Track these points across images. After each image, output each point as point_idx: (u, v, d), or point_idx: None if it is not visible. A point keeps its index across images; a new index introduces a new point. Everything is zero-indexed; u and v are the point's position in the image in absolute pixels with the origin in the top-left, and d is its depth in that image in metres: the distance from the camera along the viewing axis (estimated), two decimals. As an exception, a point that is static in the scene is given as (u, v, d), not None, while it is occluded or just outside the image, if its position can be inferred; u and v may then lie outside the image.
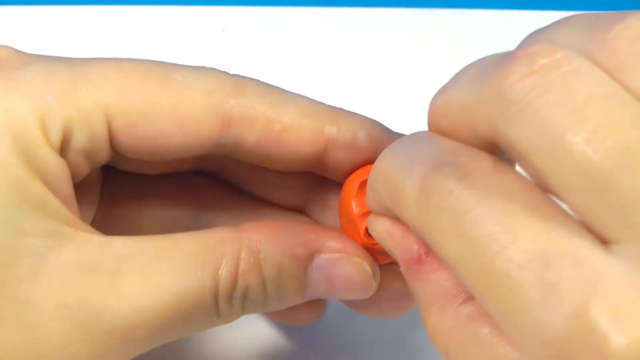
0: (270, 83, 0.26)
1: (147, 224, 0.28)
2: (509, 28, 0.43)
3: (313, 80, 0.40)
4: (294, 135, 0.25)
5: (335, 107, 0.26)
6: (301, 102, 0.25)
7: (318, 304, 0.29)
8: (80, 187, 0.26)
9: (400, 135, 0.26)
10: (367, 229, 0.24)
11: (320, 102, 0.26)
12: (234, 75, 0.25)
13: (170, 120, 0.24)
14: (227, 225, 0.24)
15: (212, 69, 0.25)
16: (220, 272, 0.23)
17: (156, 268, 0.22)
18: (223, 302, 0.23)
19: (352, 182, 0.25)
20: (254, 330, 0.32)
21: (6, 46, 0.24)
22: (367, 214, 0.24)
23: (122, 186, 0.28)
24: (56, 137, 0.23)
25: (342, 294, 0.25)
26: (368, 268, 0.25)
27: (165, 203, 0.28)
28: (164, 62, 0.25)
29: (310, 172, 0.27)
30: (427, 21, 0.43)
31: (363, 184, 0.25)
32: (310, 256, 0.24)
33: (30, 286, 0.21)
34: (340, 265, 0.24)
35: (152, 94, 0.24)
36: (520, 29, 0.43)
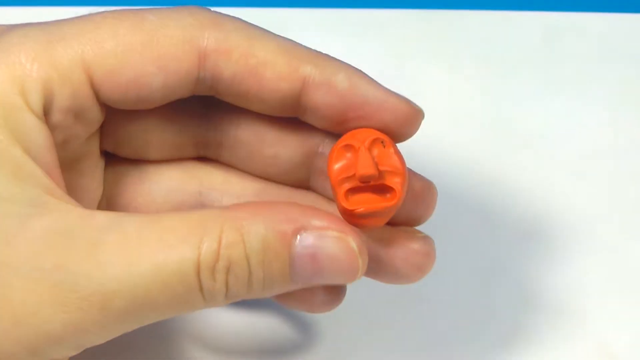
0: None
1: (151, 211, 0.28)
2: (509, 29, 0.43)
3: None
4: (269, 69, 0.25)
5: (316, 50, 0.26)
6: (280, 40, 0.25)
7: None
8: (81, 172, 0.26)
9: (383, 86, 0.25)
10: (346, 194, 0.24)
11: (302, 45, 0.26)
12: (212, 11, 0.25)
13: (148, 59, 0.24)
14: (210, 207, 0.25)
15: (192, 6, 0.25)
16: (202, 244, 0.22)
17: (136, 240, 0.22)
18: (205, 276, 0.22)
19: (333, 147, 0.25)
20: (254, 329, 0.32)
21: None
22: (347, 178, 0.24)
23: (125, 174, 0.28)
24: (37, 101, 0.23)
25: (328, 274, 0.24)
26: (353, 244, 0.24)
27: (170, 190, 0.28)
28: (139, 7, 0.25)
29: (309, 140, 0.27)
30: (427, 22, 0.43)
31: (343, 148, 0.25)
32: (295, 233, 0.23)
33: (6, 248, 0.21)
34: (325, 241, 0.24)
35: (126, 37, 0.24)
36: (520, 30, 0.43)
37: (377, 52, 0.42)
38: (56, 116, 0.23)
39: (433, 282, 0.29)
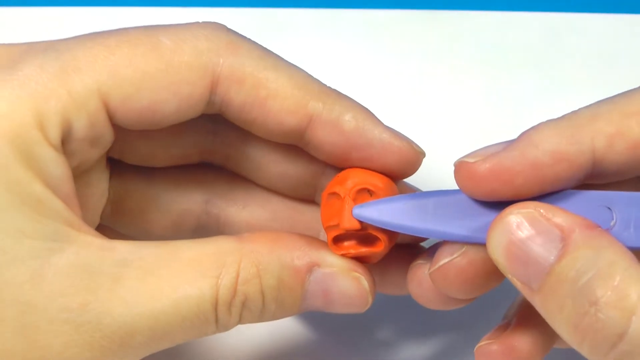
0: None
1: (157, 217, 0.28)
2: (509, 29, 0.43)
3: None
4: (278, 103, 0.25)
5: (327, 86, 0.26)
6: (293, 72, 0.25)
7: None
8: (87, 180, 0.26)
9: (388, 128, 0.26)
10: (334, 240, 0.25)
11: (314, 78, 0.26)
12: (229, 32, 0.25)
13: (163, 87, 0.24)
14: (227, 235, 0.25)
15: (207, 23, 0.25)
16: (220, 280, 0.23)
17: (156, 274, 0.23)
18: (222, 311, 0.23)
19: (323, 193, 0.26)
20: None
21: None
22: (335, 226, 0.25)
23: (131, 180, 0.28)
24: (55, 133, 0.23)
25: (337, 308, 0.25)
26: (366, 283, 0.25)
27: (175, 195, 0.29)
28: (152, 27, 0.25)
29: (316, 163, 0.27)
30: (426, 22, 0.43)
31: (331, 195, 0.25)
32: (309, 269, 0.24)
33: (32, 289, 0.22)
34: (338, 279, 0.25)
35: (140, 65, 0.24)
36: (520, 30, 0.43)
37: (377, 52, 0.42)
38: (73, 145, 0.24)
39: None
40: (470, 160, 0.23)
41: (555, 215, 0.21)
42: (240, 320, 0.24)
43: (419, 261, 0.26)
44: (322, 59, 0.41)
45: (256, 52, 0.25)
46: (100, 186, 0.27)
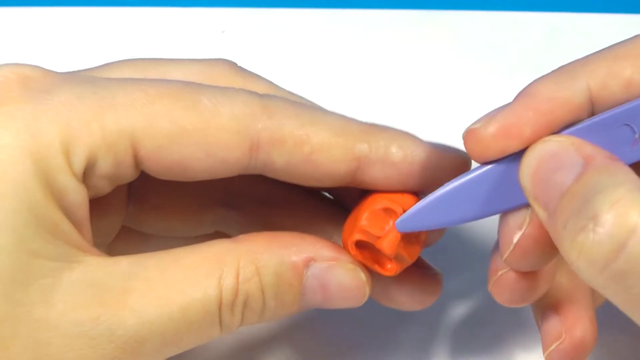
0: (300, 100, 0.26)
1: (177, 225, 0.29)
2: (509, 29, 0.43)
3: (312, 82, 0.40)
4: (324, 155, 0.25)
5: (366, 123, 0.26)
6: (331, 120, 0.25)
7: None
8: (106, 210, 0.27)
9: (434, 145, 0.26)
10: (355, 244, 0.25)
11: (351, 119, 0.26)
12: (262, 96, 0.25)
13: (198, 145, 0.24)
14: (224, 238, 0.25)
15: (241, 90, 0.25)
16: (222, 281, 0.23)
17: (162, 282, 0.23)
18: (226, 311, 0.23)
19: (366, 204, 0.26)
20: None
21: (35, 66, 0.24)
22: (366, 233, 0.25)
23: (152, 187, 0.28)
24: (79, 164, 0.23)
25: (336, 301, 0.25)
26: (362, 275, 0.25)
27: (195, 204, 0.29)
28: (192, 84, 0.25)
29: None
30: (426, 22, 0.43)
31: (382, 210, 0.25)
32: (306, 264, 0.25)
33: (44, 306, 0.22)
34: (335, 271, 0.25)
35: (179, 119, 0.24)
36: (520, 30, 0.43)
37: (377, 52, 0.42)
38: (94, 180, 0.24)
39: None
40: (477, 125, 0.23)
41: (581, 145, 0.22)
42: (243, 321, 0.24)
43: (497, 268, 0.26)
44: (322, 59, 0.41)
45: (291, 110, 0.25)
46: (117, 216, 0.28)
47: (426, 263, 0.28)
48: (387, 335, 0.31)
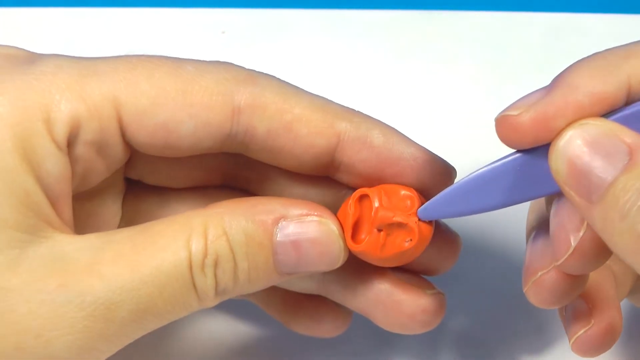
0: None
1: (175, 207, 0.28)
2: (509, 29, 0.43)
3: (313, 82, 0.40)
4: (305, 125, 0.25)
5: (350, 108, 0.26)
6: (314, 98, 0.25)
7: (343, 312, 0.29)
8: (103, 201, 0.26)
9: (419, 146, 0.26)
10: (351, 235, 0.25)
11: (333, 101, 0.26)
12: (247, 69, 0.25)
13: (180, 106, 0.24)
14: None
15: (228, 62, 0.25)
16: (190, 242, 0.23)
17: (131, 249, 0.23)
18: (197, 272, 0.23)
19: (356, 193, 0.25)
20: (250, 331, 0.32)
21: (16, 47, 0.24)
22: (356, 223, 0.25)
23: (145, 199, 0.28)
24: (61, 130, 0.23)
25: (312, 259, 0.24)
26: (334, 227, 0.24)
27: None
28: (176, 57, 0.25)
29: (340, 189, 0.27)
30: (426, 22, 0.43)
31: (362, 196, 0.25)
32: (275, 222, 0.24)
33: (9, 274, 0.22)
34: (304, 226, 0.24)
35: (161, 82, 0.24)
36: (520, 30, 0.43)
37: (378, 52, 0.42)
38: (79, 149, 0.23)
39: (438, 282, 0.29)
40: (514, 112, 0.23)
41: (622, 132, 0.21)
42: (217, 285, 0.23)
43: (536, 269, 0.25)
44: (322, 59, 0.41)
45: (274, 81, 0.25)
46: (115, 205, 0.27)
47: (427, 283, 0.28)
48: (388, 341, 0.32)
